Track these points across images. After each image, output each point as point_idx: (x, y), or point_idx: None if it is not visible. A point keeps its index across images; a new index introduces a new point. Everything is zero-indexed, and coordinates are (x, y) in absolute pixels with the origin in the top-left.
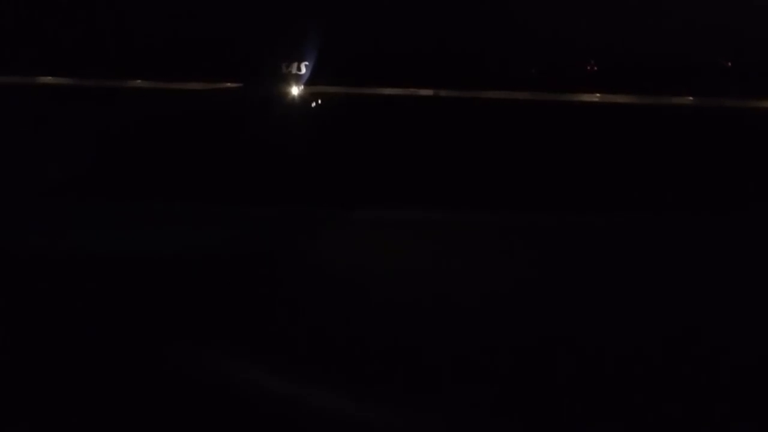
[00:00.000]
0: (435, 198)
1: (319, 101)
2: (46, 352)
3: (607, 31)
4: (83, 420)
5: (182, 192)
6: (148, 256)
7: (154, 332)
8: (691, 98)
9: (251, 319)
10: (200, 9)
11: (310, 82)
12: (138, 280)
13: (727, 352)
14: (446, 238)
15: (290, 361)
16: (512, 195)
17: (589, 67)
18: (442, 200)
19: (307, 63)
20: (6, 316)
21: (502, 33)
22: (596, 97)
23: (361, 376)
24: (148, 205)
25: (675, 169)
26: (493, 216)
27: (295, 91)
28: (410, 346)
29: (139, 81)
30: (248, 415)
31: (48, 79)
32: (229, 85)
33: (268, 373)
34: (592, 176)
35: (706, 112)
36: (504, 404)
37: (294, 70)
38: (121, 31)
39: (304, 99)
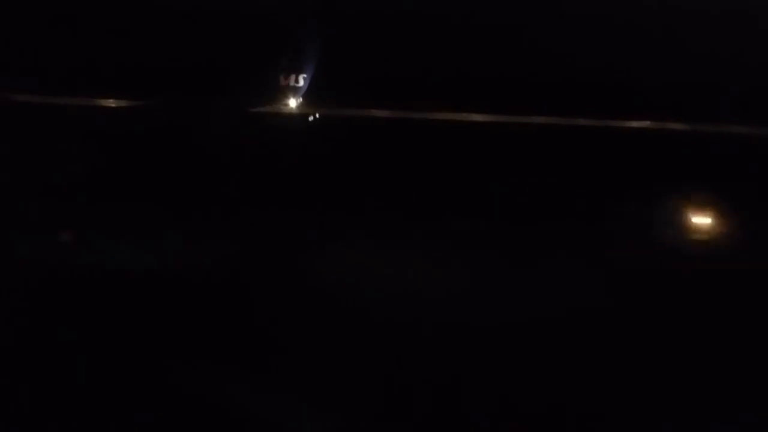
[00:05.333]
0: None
1: (317, 115)
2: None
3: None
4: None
5: (169, 203)
6: (135, 269)
7: (145, 347)
8: None
9: (241, 334)
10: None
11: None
12: (125, 294)
13: None
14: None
15: (280, 378)
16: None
17: None
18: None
19: (305, 75)
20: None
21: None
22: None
23: (354, 398)
24: (136, 216)
25: None
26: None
27: (292, 104)
28: (408, 368)
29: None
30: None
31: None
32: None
33: (258, 390)
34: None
35: None
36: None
37: (291, 82)
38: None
39: (301, 115)
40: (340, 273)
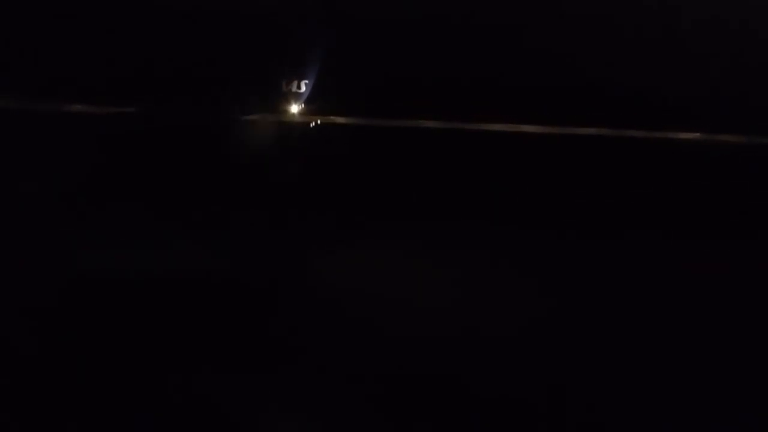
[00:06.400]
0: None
1: (318, 122)
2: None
3: None
4: None
5: (168, 209)
6: (136, 272)
7: (145, 350)
8: None
9: (241, 337)
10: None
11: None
12: (126, 296)
13: None
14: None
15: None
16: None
17: None
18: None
19: (307, 81)
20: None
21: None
22: None
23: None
24: (135, 221)
25: None
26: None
27: (294, 110)
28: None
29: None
30: None
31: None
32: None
33: (258, 391)
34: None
35: None
36: None
37: (293, 88)
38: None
39: (302, 122)
40: (343, 281)
